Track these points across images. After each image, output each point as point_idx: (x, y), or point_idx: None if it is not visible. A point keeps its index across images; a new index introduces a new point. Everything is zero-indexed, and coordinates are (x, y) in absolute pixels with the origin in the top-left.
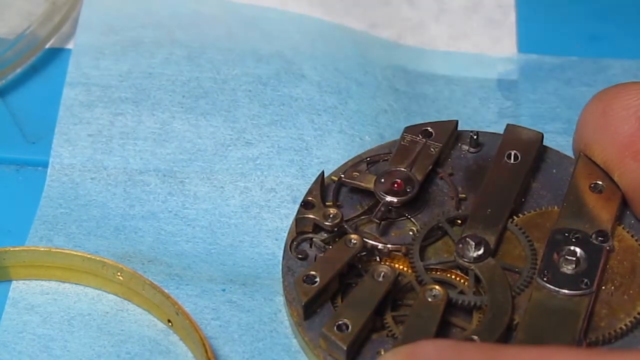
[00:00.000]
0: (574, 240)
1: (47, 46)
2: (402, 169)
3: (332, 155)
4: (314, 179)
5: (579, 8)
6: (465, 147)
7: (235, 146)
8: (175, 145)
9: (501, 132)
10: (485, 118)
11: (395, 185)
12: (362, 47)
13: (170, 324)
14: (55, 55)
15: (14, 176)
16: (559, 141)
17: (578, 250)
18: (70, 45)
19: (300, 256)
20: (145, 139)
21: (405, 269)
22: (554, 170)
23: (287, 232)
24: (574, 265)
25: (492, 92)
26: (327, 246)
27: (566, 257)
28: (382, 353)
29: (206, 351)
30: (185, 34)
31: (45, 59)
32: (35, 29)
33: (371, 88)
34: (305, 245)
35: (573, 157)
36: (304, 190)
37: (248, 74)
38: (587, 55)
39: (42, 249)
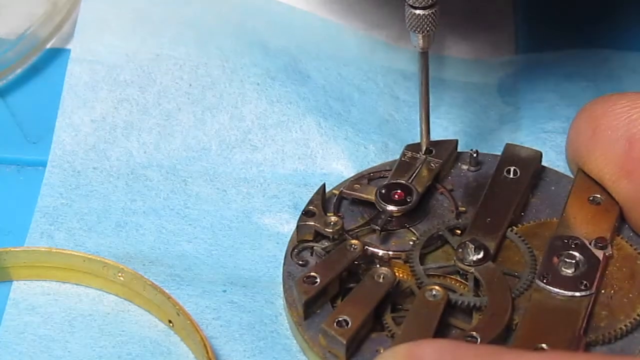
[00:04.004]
0: (573, 246)
1: (47, 46)
2: (403, 182)
3: (336, 165)
4: (316, 189)
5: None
6: (465, 167)
7: (240, 148)
8: (179, 140)
9: (502, 137)
10: (486, 125)
11: (396, 195)
12: (363, 49)
13: (171, 324)
14: (55, 55)
15: (15, 176)
16: (559, 142)
17: (577, 254)
18: (70, 46)
19: (300, 262)
20: (150, 131)
21: (405, 276)
22: (553, 188)
23: (288, 236)
24: (573, 269)
25: (492, 99)
26: (328, 254)
27: (565, 260)
28: (382, 351)
29: (207, 352)
30: (193, 12)
31: (45, 60)
32: (36, 30)
33: (373, 96)
34: (306, 254)
35: (571, 175)
36: (306, 197)
37: (257, 64)
38: (587, 48)
39: (43, 249)
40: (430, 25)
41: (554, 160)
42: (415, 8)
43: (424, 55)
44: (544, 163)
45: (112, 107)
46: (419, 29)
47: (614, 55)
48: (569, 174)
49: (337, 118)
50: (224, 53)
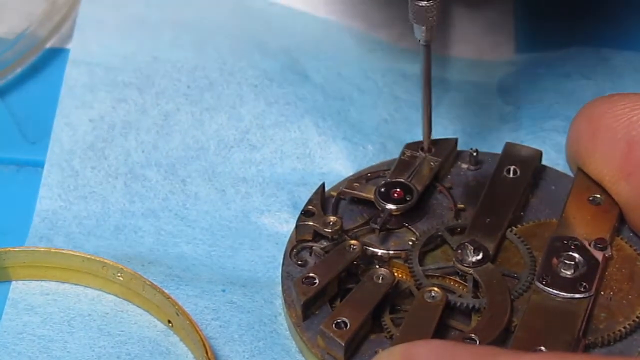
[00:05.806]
0: (572, 247)
1: (46, 46)
2: (402, 180)
3: (334, 165)
4: (315, 188)
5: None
6: (465, 166)
7: (239, 147)
8: (178, 140)
9: (502, 136)
10: (486, 124)
11: (395, 194)
12: (363, 49)
13: (170, 324)
14: (54, 55)
15: (14, 176)
16: (559, 140)
17: (576, 255)
18: (69, 46)
19: (299, 262)
20: (148, 130)
21: (404, 277)
22: (553, 187)
23: (287, 236)
24: (572, 270)
25: (492, 99)
26: (326, 255)
27: (565, 261)
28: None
29: (206, 352)
30: (191, 15)
31: (45, 59)
32: (35, 29)
33: (372, 95)
34: (305, 254)
35: (571, 174)
36: (305, 197)
37: (255, 66)
38: (587, 46)
39: (42, 250)
40: (433, 16)
41: (554, 158)
42: (419, 0)
43: (427, 48)
44: (544, 162)
45: (110, 107)
46: (422, 21)
47: (615, 54)
48: (569, 172)
49: (335, 118)
50: (221, 56)
